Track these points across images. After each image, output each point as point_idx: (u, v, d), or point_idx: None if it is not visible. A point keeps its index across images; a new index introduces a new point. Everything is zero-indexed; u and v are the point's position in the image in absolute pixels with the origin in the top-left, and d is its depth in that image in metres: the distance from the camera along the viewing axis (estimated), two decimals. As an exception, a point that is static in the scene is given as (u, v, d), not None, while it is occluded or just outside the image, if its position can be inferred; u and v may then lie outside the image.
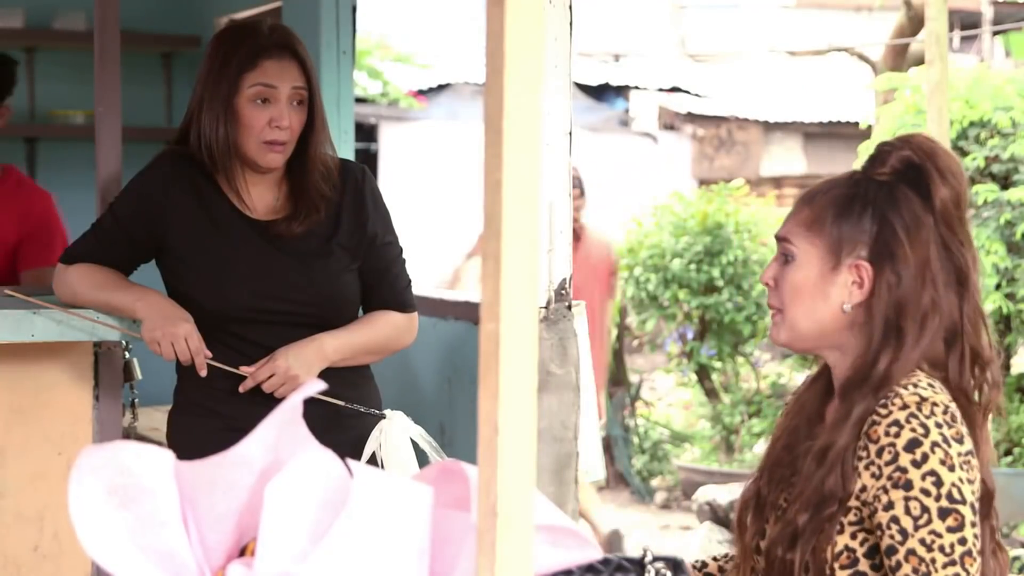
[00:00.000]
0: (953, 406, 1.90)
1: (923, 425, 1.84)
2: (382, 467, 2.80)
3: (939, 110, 3.49)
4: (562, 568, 1.41)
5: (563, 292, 3.21)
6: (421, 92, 12.88)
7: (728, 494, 6.69)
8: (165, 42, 5.53)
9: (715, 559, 2.17)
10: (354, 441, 2.81)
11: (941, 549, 1.80)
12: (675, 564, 1.67)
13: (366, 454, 2.81)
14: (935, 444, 1.83)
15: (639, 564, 1.65)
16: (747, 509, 2.04)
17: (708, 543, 6.25)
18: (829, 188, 2.03)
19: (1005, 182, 6.48)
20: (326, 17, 4.70)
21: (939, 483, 1.82)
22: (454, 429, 3.95)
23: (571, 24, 3.22)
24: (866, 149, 7.06)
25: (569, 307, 3.23)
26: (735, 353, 8.24)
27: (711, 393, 8.35)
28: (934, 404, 1.87)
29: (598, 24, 15.66)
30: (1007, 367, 7.00)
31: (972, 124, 6.49)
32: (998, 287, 6.37)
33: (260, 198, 2.87)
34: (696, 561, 2.17)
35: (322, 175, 2.86)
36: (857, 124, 9.60)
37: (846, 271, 1.97)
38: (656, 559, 1.66)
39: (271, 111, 2.77)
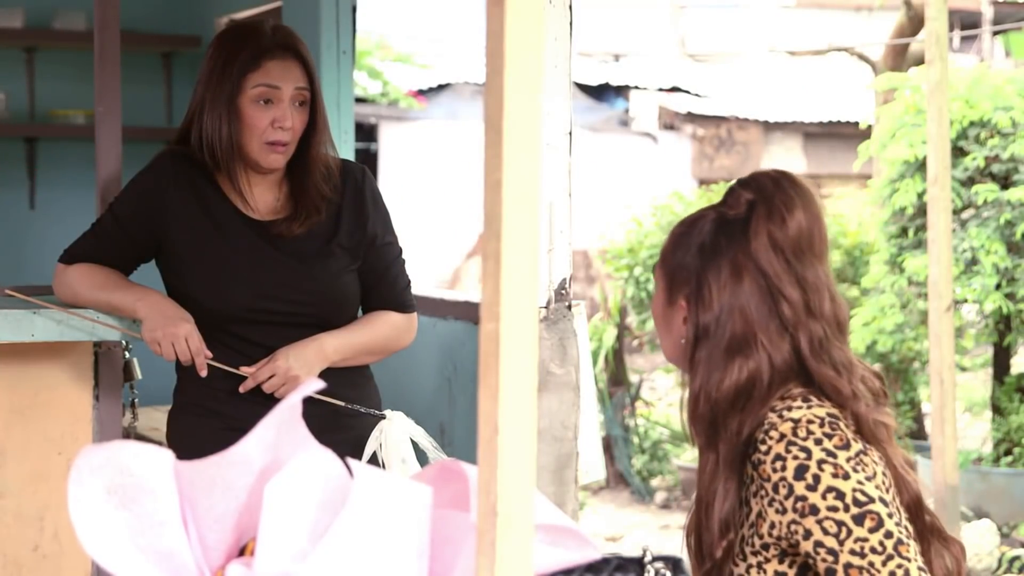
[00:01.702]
0: (834, 412, 1.91)
1: (803, 449, 1.86)
2: (383, 467, 2.80)
3: (939, 110, 3.50)
4: (562, 568, 1.41)
5: (563, 292, 3.22)
6: (421, 92, 12.88)
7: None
8: (165, 42, 5.53)
9: None
10: (354, 441, 2.81)
11: (873, 551, 1.82)
12: (675, 564, 1.67)
13: (366, 454, 2.81)
14: (821, 462, 1.85)
15: (639, 564, 1.65)
16: (689, 542, 2.06)
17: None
18: (683, 220, 2.08)
19: (1005, 182, 6.48)
20: (326, 17, 4.71)
21: (841, 495, 1.83)
22: (454, 429, 3.95)
23: (571, 24, 3.22)
24: (865, 149, 7.07)
25: (569, 307, 3.23)
26: (735, 353, 8.23)
27: (711, 393, 8.33)
28: (808, 422, 1.88)
29: (598, 24, 15.67)
30: (1007, 367, 7.00)
31: (972, 124, 6.49)
32: (998, 287, 6.38)
33: (261, 198, 2.87)
34: None
35: (323, 176, 2.86)
36: (857, 124, 9.61)
37: (677, 307, 2.03)
38: (656, 559, 1.66)
39: (274, 112, 2.77)
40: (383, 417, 2.86)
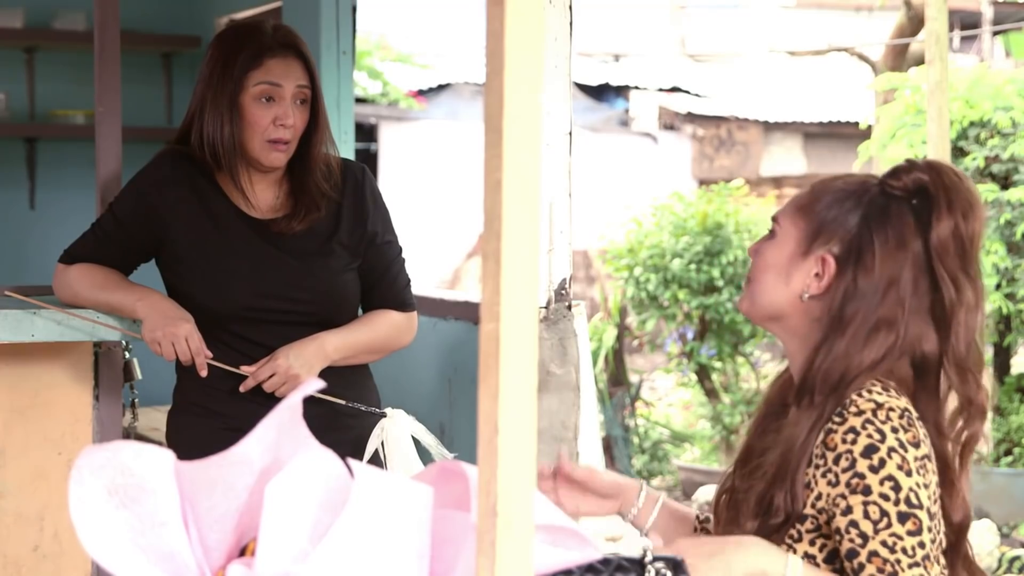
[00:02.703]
0: (911, 410, 1.90)
1: (879, 431, 1.85)
2: (384, 466, 2.80)
3: (939, 110, 3.50)
4: (562, 568, 1.41)
5: (563, 292, 3.22)
6: (421, 92, 12.89)
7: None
8: (165, 42, 5.53)
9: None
10: (354, 441, 2.82)
11: (904, 551, 1.81)
12: (675, 564, 1.67)
13: (368, 453, 2.82)
14: (892, 449, 1.84)
15: (639, 564, 1.65)
16: (719, 502, 2.06)
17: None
18: (835, 179, 2.04)
19: (1005, 182, 6.48)
20: (326, 17, 4.71)
21: (897, 488, 1.83)
22: (454, 429, 3.95)
23: (571, 24, 3.22)
24: (865, 149, 7.07)
25: (569, 307, 3.23)
26: (735, 353, 8.24)
27: (711, 393, 8.35)
28: (890, 409, 1.87)
29: (598, 24, 15.67)
30: (1007, 367, 7.00)
31: (972, 124, 6.50)
32: (998, 287, 6.38)
33: (261, 196, 2.87)
34: (700, 514, 2.19)
35: (323, 174, 2.86)
36: (857, 124, 9.61)
37: (813, 260, 1.99)
38: (656, 559, 1.66)
39: (275, 110, 2.77)
40: (384, 415, 2.86)
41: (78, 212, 3.90)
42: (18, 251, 5.39)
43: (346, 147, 4.68)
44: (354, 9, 4.81)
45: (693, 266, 7.82)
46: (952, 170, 2.01)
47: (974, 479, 6.43)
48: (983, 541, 5.83)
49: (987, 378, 7.18)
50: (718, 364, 8.30)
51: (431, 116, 12.80)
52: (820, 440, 1.89)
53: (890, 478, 1.83)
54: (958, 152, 6.47)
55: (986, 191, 6.33)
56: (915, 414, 1.91)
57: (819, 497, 1.88)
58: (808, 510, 1.89)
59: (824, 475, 1.87)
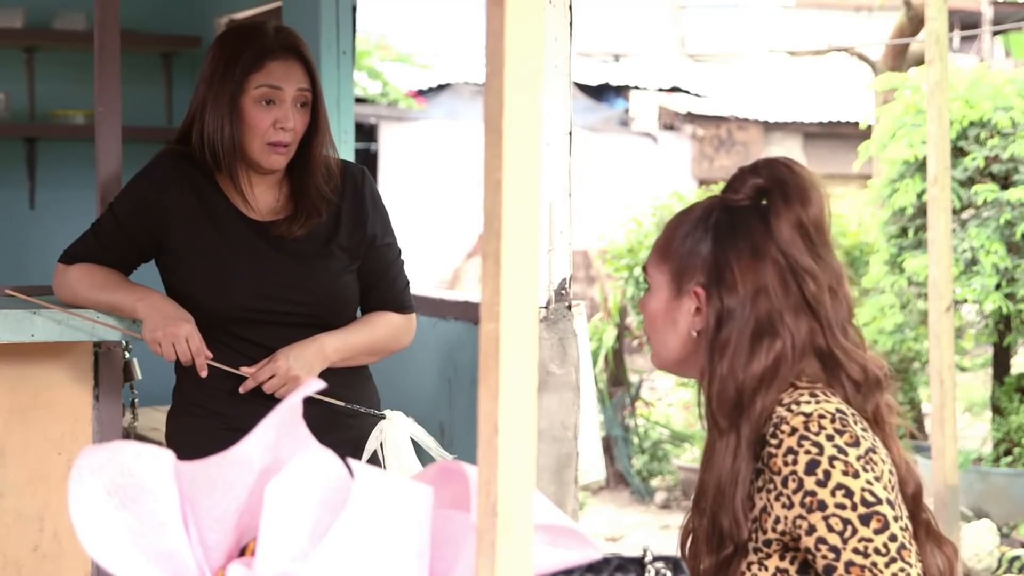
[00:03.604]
0: (843, 409, 1.90)
1: (816, 444, 1.86)
2: (383, 467, 2.80)
3: (939, 110, 3.49)
4: (562, 568, 1.41)
5: (563, 292, 3.22)
6: (421, 92, 12.88)
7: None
8: (165, 42, 5.53)
9: None
10: (354, 441, 2.82)
11: (877, 552, 1.82)
12: (675, 564, 1.67)
13: (366, 454, 2.82)
14: (832, 458, 1.85)
15: (639, 564, 1.65)
16: (684, 543, 2.06)
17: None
18: (683, 213, 2.06)
19: (1005, 182, 6.48)
20: (326, 17, 4.71)
21: (849, 493, 1.83)
22: (454, 429, 3.95)
23: (571, 24, 3.22)
24: (865, 149, 7.07)
25: (569, 307, 3.23)
26: (735, 353, 8.23)
27: (711, 393, 8.33)
28: (820, 416, 1.88)
29: (598, 24, 15.67)
30: (1007, 367, 7.00)
31: (972, 124, 6.49)
32: (998, 287, 6.38)
33: (261, 198, 2.87)
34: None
35: (323, 177, 2.86)
36: (857, 124, 9.61)
37: (687, 297, 2.01)
38: (656, 559, 1.66)
39: (276, 112, 2.77)
40: (383, 417, 2.86)
41: (78, 212, 3.89)
42: (18, 251, 5.39)
43: (346, 147, 4.68)
44: (354, 9, 4.81)
45: (693, 266, 7.81)
46: (782, 163, 2.02)
47: (974, 479, 6.43)
48: (983, 541, 5.83)
49: (983, 376, 7.18)
50: (718, 364, 8.29)
51: (431, 116, 12.80)
52: (764, 463, 1.89)
53: (840, 487, 1.83)
54: (958, 152, 6.47)
55: (986, 191, 6.33)
56: (849, 410, 1.91)
57: (778, 520, 1.88)
58: (771, 534, 1.90)
59: (777, 498, 1.87)
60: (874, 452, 1.88)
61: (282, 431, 1.33)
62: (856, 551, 1.82)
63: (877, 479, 1.86)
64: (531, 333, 1.16)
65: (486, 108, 1.15)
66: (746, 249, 1.96)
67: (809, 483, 1.84)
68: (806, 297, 1.96)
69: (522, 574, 1.15)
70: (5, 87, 5.45)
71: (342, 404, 2.80)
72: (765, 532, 1.90)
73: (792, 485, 1.85)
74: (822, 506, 1.83)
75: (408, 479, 1.35)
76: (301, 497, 1.29)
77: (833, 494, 1.83)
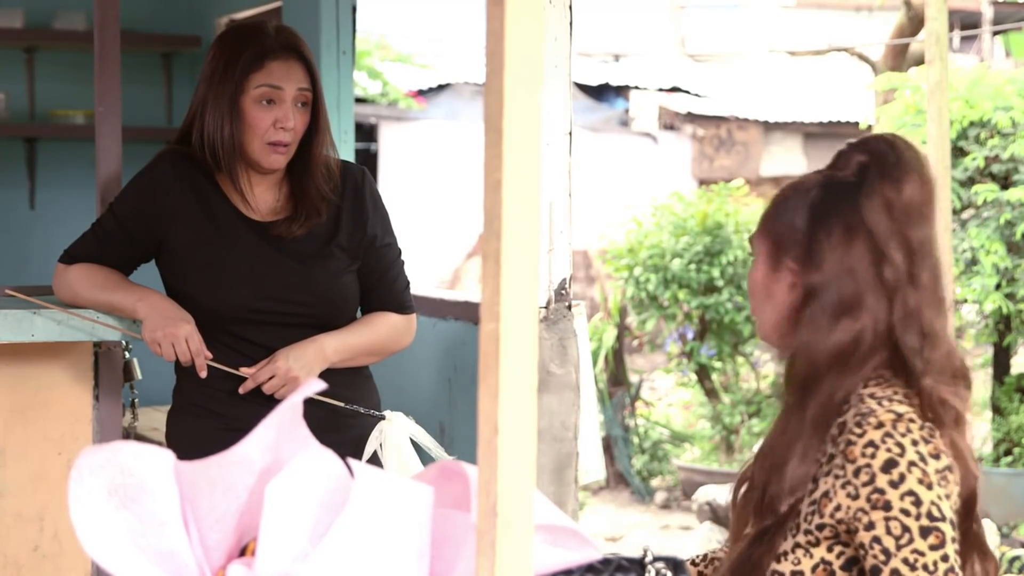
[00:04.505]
0: (931, 425, 1.89)
1: (899, 444, 1.84)
2: (383, 467, 2.80)
3: (939, 110, 3.49)
4: (562, 568, 1.41)
5: (563, 292, 3.22)
6: (421, 92, 12.88)
7: (728, 494, 6.68)
8: (165, 42, 5.53)
9: (713, 552, 2.18)
10: (354, 441, 2.82)
11: (925, 568, 1.80)
12: (675, 564, 1.67)
13: (366, 454, 2.82)
14: (912, 463, 1.83)
15: (639, 564, 1.65)
16: (738, 492, 2.05)
17: (708, 543, 6.25)
18: (789, 186, 2.04)
19: (1005, 182, 6.48)
20: (326, 17, 4.71)
21: (918, 502, 1.81)
22: (454, 429, 3.95)
23: (571, 24, 3.22)
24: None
25: (569, 307, 3.23)
26: (735, 353, 8.24)
27: (711, 393, 8.35)
28: (910, 420, 1.86)
29: (598, 24, 15.67)
30: (1007, 367, 7.00)
31: (972, 124, 6.49)
32: (998, 287, 6.38)
33: (261, 198, 2.87)
34: (696, 556, 2.18)
35: (324, 177, 2.86)
36: (857, 124, 9.60)
37: (784, 273, 1.99)
38: (656, 559, 1.66)
39: (276, 112, 2.77)
40: (383, 418, 2.86)
41: (78, 212, 3.89)
42: (18, 251, 5.39)
43: (346, 147, 4.68)
44: (354, 9, 4.81)
45: (693, 266, 7.82)
46: (884, 139, 2.00)
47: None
48: (983, 541, 5.83)
49: (983, 376, 7.19)
50: (718, 364, 8.30)
51: (431, 116, 12.79)
52: (839, 449, 1.87)
53: (911, 493, 1.81)
54: (958, 152, 6.47)
55: (986, 191, 6.33)
56: (935, 425, 1.89)
57: (838, 508, 1.86)
58: (827, 519, 1.87)
59: (844, 486, 1.85)
60: (950, 471, 1.87)
61: (282, 431, 1.33)
62: (905, 561, 1.80)
63: (947, 497, 1.84)
64: (531, 333, 1.16)
65: (486, 108, 1.15)
66: (837, 227, 1.94)
67: (881, 480, 1.82)
68: (888, 280, 1.93)
69: (522, 574, 1.15)
70: (5, 87, 5.45)
71: (342, 405, 2.80)
72: (822, 516, 1.88)
73: (864, 478, 1.83)
74: (887, 506, 1.81)
75: (408, 479, 1.35)
76: (301, 497, 1.29)
77: (902, 498, 1.81)
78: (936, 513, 1.81)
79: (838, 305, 1.93)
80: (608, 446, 8.09)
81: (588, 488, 7.93)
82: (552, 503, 1.42)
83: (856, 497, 1.84)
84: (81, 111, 5.40)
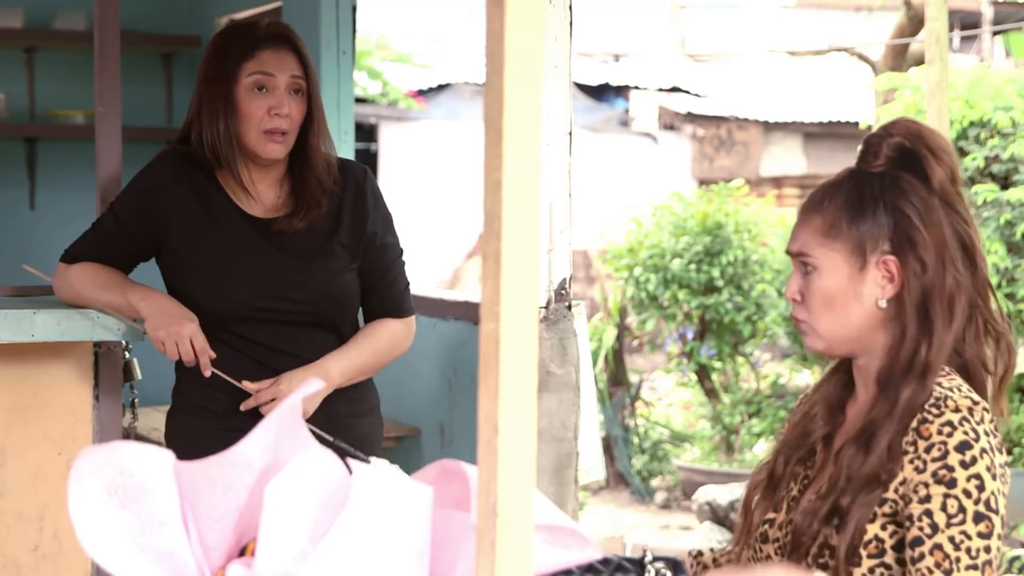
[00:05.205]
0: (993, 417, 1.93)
1: (975, 430, 1.87)
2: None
3: (939, 110, 3.49)
4: (562, 568, 1.41)
5: (563, 292, 3.22)
6: (421, 92, 12.88)
7: (728, 494, 6.69)
8: (165, 42, 5.53)
9: (711, 550, 2.18)
10: (355, 441, 2.81)
11: (968, 551, 1.82)
12: (675, 564, 1.67)
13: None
14: (984, 450, 1.86)
15: (639, 564, 1.65)
16: (757, 490, 2.05)
17: (708, 543, 6.25)
18: (834, 192, 2.03)
19: (1005, 182, 6.48)
20: (326, 17, 4.71)
21: (982, 487, 1.84)
22: (454, 429, 3.95)
23: (571, 24, 3.22)
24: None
25: (569, 307, 3.23)
26: (735, 353, 8.24)
27: (711, 393, 8.35)
28: (985, 410, 1.90)
29: (598, 24, 15.67)
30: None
31: (972, 124, 6.49)
32: (998, 287, 6.37)
33: (264, 194, 2.87)
34: (692, 550, 2.18)
35: (323, 168, 2.85)
36: (857, 124, 9.60)
37: (874, 268, 1.98)
38: (656, 559, 1.66)
39: (270, 99, 2.77)
40: (367, 461, 2.80)
41: (78, 212, 3.89)
42: (18, 251, 5.38)
43: (346, 147, 4.68)
44: (354, 9, 4.81)
45: (693, 266, 7.82)
46: (908, 120, 2.03)
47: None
48: (983, 541, 5.82)
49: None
50: (718, 364, 8.30)
51: (431, 116, 12.79)
52: (914, 427, 1.90)
53: (977, 477, 1.84)
54: (958, 152, 6.47)
55: (986, 191, 6.33)
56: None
57: (903, 482, 1.88)
58: (890, 493, 1.89)
59: (911, 461, 1.88)
60: (1007, 469, 1.91)
61: (282, 431, 1.33)
62: (952, 539, 1.82)
63: (1004, 494, 1.87)
64: (531, 333, 1.16)
65: (486, 108, 1.15)
66: (919, 206, 1.96)
67: (953, 459, 1.85)
68: (967, 247, 1.98)
69: (522, 574, 1.15)
70: (5, 87, 5.45)
71: (330, 439, 2.68)
72: (885, 490, 1.89)
73: (935, 453, 1.86)
74: (952, 483, 1.84)
75: (408, 479, 1.35)
76: (301, 497, 1.29)
77: (968, 480, 1.84)
78: (993, 504, 1.84)
79: (949, 283, 1.96)
80: (608, 446, 8.09)
81: (588, 488, 7.93)
82: (552, 503, 1.42)
83: (922, 471, 1.86)
84: (81, 111, 5.40)
